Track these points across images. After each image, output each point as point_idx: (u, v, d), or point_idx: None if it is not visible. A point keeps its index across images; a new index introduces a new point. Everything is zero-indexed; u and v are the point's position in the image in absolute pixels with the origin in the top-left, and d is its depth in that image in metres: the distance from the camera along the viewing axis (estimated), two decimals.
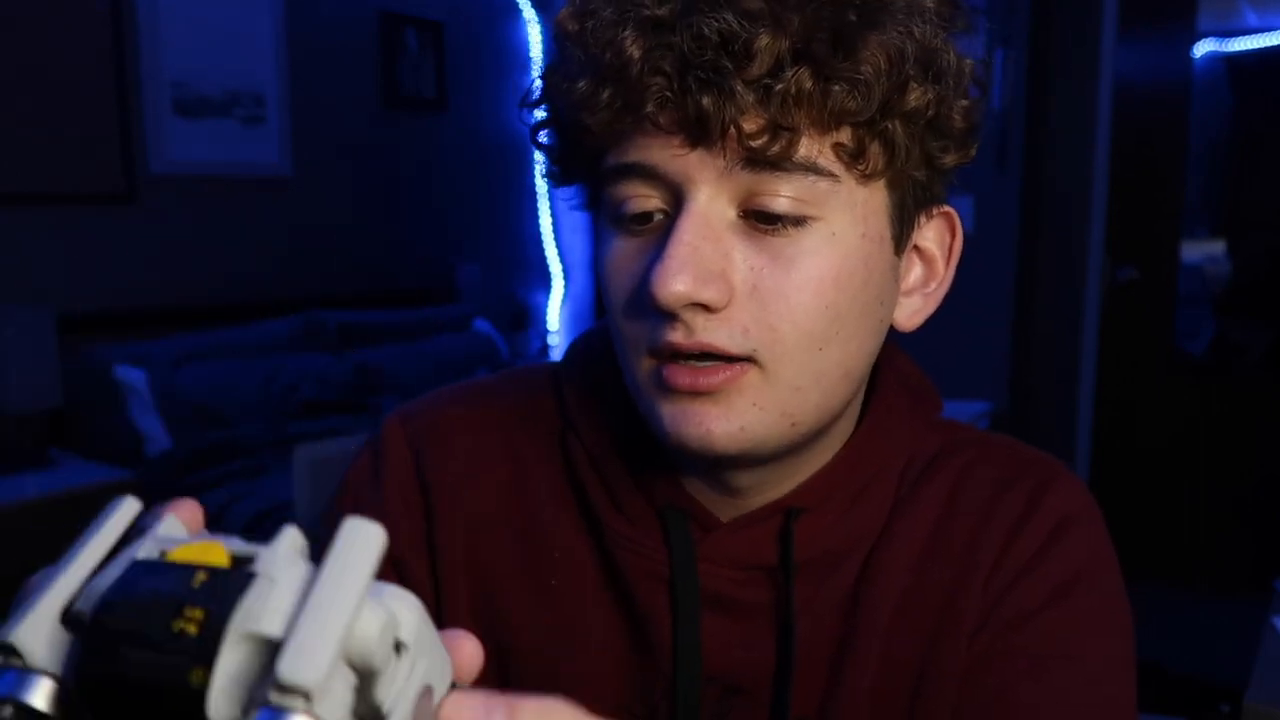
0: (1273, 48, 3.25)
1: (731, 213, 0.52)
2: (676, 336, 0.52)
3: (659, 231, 0.54)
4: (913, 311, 0.60)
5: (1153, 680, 2.50)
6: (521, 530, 0.64)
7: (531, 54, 4.03)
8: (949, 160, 0.55)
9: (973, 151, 0.56)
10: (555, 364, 0.70)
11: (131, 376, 2.62)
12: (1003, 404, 3.32)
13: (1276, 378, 3.22)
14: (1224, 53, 3.30)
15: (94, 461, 2.55)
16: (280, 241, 3.27)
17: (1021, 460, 0.65)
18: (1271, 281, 3.30)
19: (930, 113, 0.52)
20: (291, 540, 0.28)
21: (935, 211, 0.59)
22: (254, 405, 2.76)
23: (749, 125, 0.49)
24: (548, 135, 0.58)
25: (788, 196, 0.51)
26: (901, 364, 0.67)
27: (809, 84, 0.48)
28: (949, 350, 3.28)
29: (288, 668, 0.23)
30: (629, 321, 0.55)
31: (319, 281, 3.36)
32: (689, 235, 0.51)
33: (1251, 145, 3.37)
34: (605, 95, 0.51)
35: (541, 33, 4.01)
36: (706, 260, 0.51)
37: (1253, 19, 3.28)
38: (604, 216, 0.57)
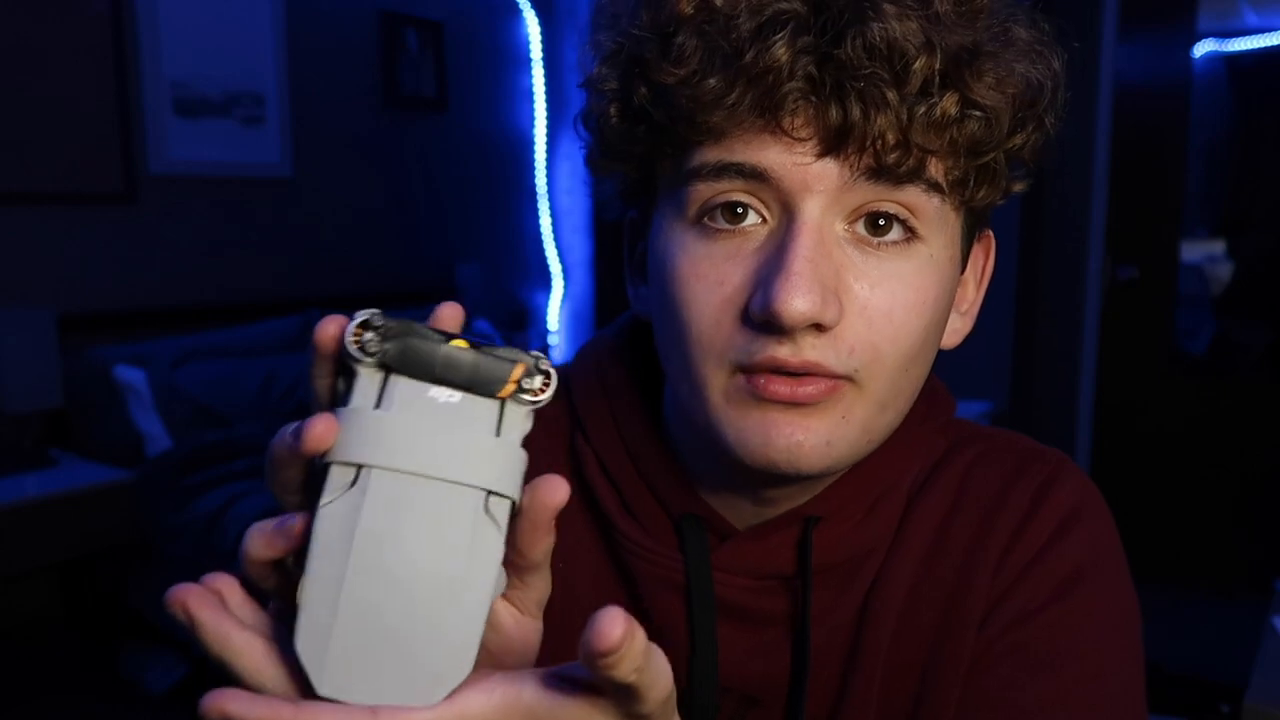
0: (1273, 48, 3.25)
1: (841, 226, 0.51)
2: (783, 353, 0.50)
3: (755, 240, 0.52)
4: (953, 331, 0.60)
5: (1153, 680, 2.49)
6: None
7: (531, 54, 4.03)
8: (1017, 189, 0.56)
9: (1028, 182, 0.57)
10: (563, 366, 0.68)
11: (131, 376, 2.62)
12: (1003, 404, 3.32)
13: (1276, 377, 3.22)
14: (1224, 53, 3.30)
15: (94, 461, 2.55)
16: (280, 241, 3.27)
17: (1026, 455, 0.65)
18: (1271, 281, 3.30)
19: (1025, 149, 0.53)
20: None
21: (980, 235, 0.60)
22: (254, 405, 2.76)
23: (889, 140, 0.49)
24: (617, 118, 0.55)
25: (905, 205, 0.51)
26: (926, 404, 0.66)
27: (954, 110, 0.49)
28: (949, 350, 3.28)
29: None
30: (714, 330, 0.52)
31: (319, 281, 3.36)
32: (809, 251, 0.49)
33: (1251, 145, 3.37)
34: (736, 93, 0.49)
35: (541, 33, 4.01)
36: (825, 278, 0.49)
37: (1253, 19, 3.28)
38: (674, 213, 0.54)
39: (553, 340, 4.19)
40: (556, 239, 4.21)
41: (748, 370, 0.51)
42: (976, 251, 0.61)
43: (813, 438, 0.52)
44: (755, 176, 0.50)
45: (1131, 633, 0.61)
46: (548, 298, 4.23)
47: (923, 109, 0.48)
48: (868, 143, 0.48)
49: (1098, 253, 3.35)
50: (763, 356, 0.50)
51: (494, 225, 4.02)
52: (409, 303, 3.59)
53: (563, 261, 4.23)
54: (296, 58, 3.25)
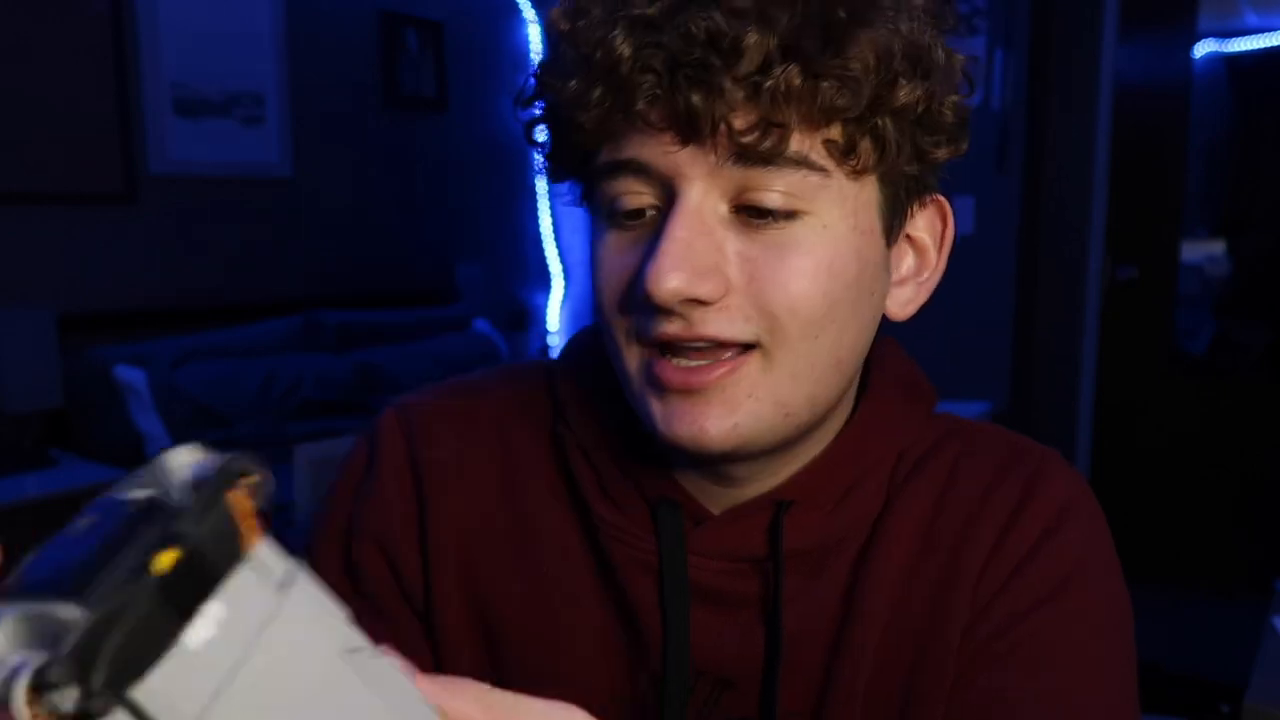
0: (1273, 48, 3.25)
1: (724, 207, 0.53)
2: (674, 329, 0.52)
3: (651, 227, 0.54)
4: (905, 301, 0.60)
5: (1153, 680, 2.50)
6: (513, 520, 0.64)
7: (531, 54, 4.03)
8: (941, 154, 0.56)
9: (964, 145, 0.57)
10: (549, 360, 0.70)
11: (131, 376, 2.62)
12: (1003, 404, 3.32)
13: (1276, 378, 3.22)
14: (1224, 53, 3.30)
15: (94, 461, 2.55)
16: (280, 241, 3.27)
17: (1014, 450, 0.65)
18: (1271, 281, 3.30)
19: (920, 108, 0.52)
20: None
21: (927, 200, 0.60)
22: (254, 405, 2.76)
23: (739, 122, 0.50)
24: (543, 132, 0.59)
25: (779, 191, 0.52)
26: (895, 359, 0.67)
27: (798, 81, 0.49)
28: (949, 350, 3.29)
29: None
30: (620, 315, 0.55)
31: (319, 281, 3.36)
32: (681, 231, 0.51)
33: (1251, 145, 3.38)
34: (596, 93, 0.51)
35: (541, 32, 4.01)
36: (699, 255, 0.51)
37: (1253, 19, 3.28)
38: (597, 213, 0.57)
39: (552, 340, 4.19)
40: (556, 239, 4.21)
41: (648, 348, 0.54)
42: (930, 218, 0.60)
43: (716, 423, 0.53)
44: (639, 170, 0.53)
45: (1125, 631, 0.61)
46: (548, 298, 4.23)
47: (767, 84, 0.49)
48: (718, 125, 0.50)
49: (1098, 253, 3.35)
50: (656, 333, 0.53)
51: (494, 225, 4.02)
52: (409, 302, 3.59)
53: (563, 261, 4.23)
54: (296, 58, 3.25)
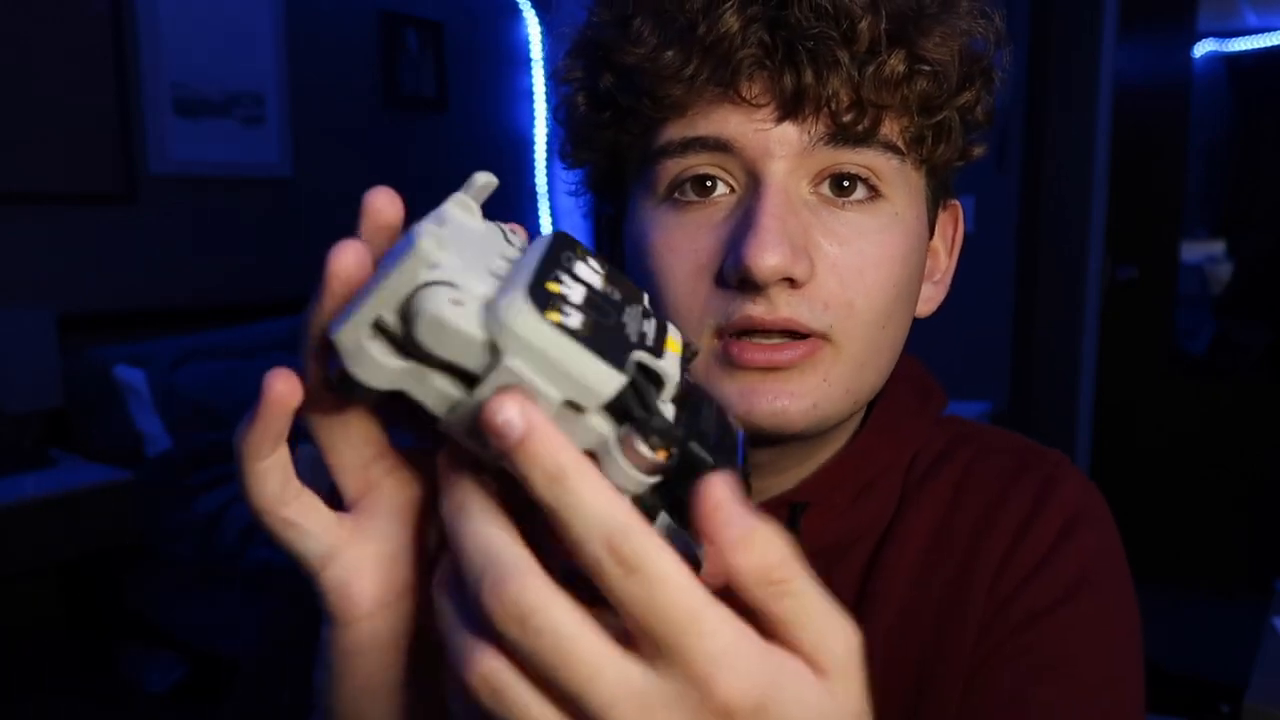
0: (1273, 48, 3.25)
1: (806, 188, 0.53)
2: (758, 311, 0.52)
3: (724, 208, 0.54)
4: (926, 299, 0.62)
5: (1153, 680, 2.49)
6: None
7: (531, 54, 4.02)
8: (975, 153, 0.58)
9: (985, 147, 0.60)
10: None
11: (131, 376, 2.62)
12: (1003, 404, 3.32)
13: (1276, 378, 3.22)
14: (1224, 53, 3.30)
15: (94, 461, 2.55)
16: (280, 241, 3.27)
17: (1026, 453, 0.65)
18: (1271, 281, 3.30)
19: (976, 108, 0.55)
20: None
21: (947, 203, 0.62)
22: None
23: (843, 100, 0.51)
24: (585, 107, 0.57)
25: (866, 166, 0.53)
26: (907, 361, 0.67)
27: (902, 66, 0.51)
28: (949, 350, 3.28)
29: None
30: (691, 297, 0.53)
31: (319, 282, 3.36)
32: (777, 209, 0.51)
33: (1251, 145, 3.37)
34: (693, 65, 0.50)
35: (542, 32, 4.01)
36: (793, 235, 0.51)
37: (1253, 19, 3.28)
38: (646, 194, 0.56)
39: None
40: None
41: (726, 334, 0.53)
42: (945, 220, 0.63)
43: (796, 402, 0.53)
44: (719, 148, 0.52)
45: (1135, 634, 0.61)
46: None
47: (872, 67, 0.50)
48: (823, 104, 0.51)
49: (1098, 253, 3.35)
50: (739, 316, 0.52)
51: None
52: None
53: None
54: (296, 58, 3.25)
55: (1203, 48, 3.27)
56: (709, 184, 0.53)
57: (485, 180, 0.35)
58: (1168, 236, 3.30)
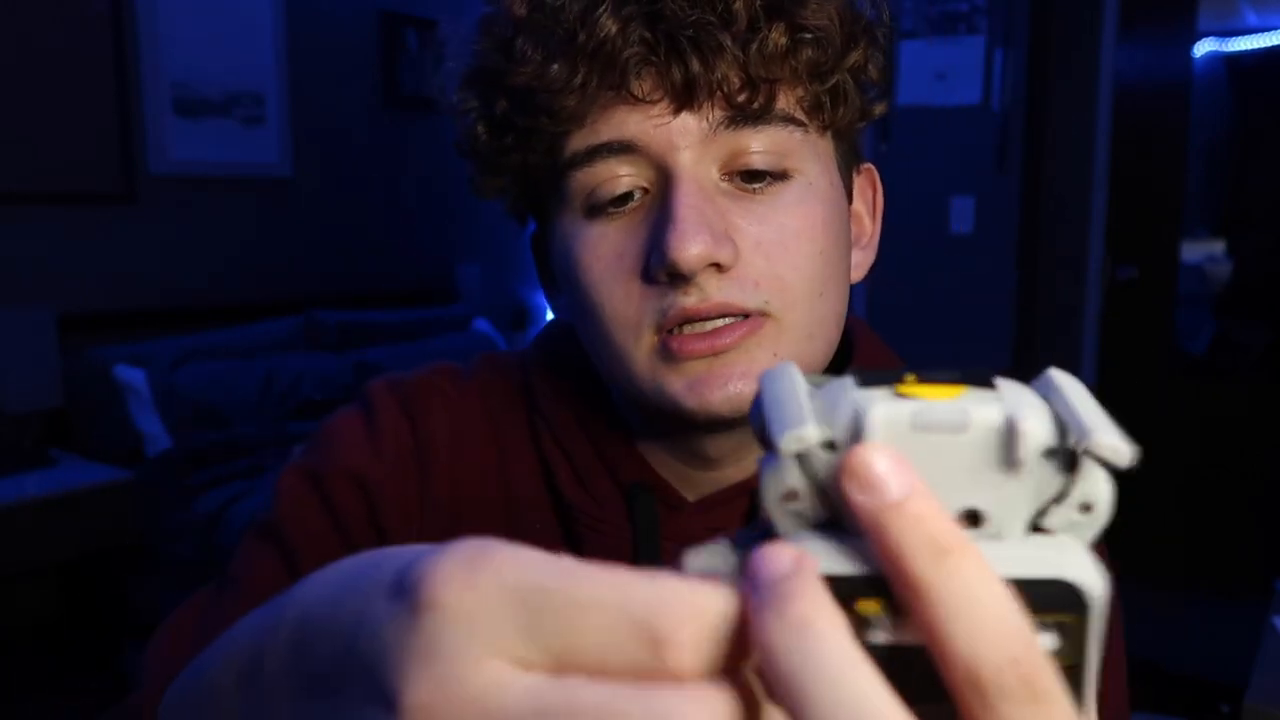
0: (1273, 48, 3.25)
1: (715, 175, 0.53)
2: (691, 301, 0.52)
3: (643, 210, 0.54)
4: (856, 265, 0.62)
5: (1153, 680, 2.50)
6: (504, 503, 0.64)
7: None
8: (876, 111, 0.59)
9: (885, 105, 0.60)
10: (523, 350, 0.69)
11: (131, 376, 2.62)
12: None
13: (1276, 378, 3.22)
14: (1224, 53, 3.30)
15: (94, 461, 2.55)
16: (280, 241, 3.27)
17: None
18: (1271, 281, 3.30)
19: (867, 66, 0.56)
20: None
21: (860, 169, 0.62)
22: (254, 405, 2.76)
23: (734, 82, 0.51)
24: (486, 135, 0.56)
25: (769, 151, 0.53)
26: (869, 340, 0.67)
27: (784, 39, 0.51)
28: (949, 349, 3.29)
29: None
30: (624, 303, 0.54)
31: (319, 281, 3.36)
32: (691, 198, 0.51)
33: (1251, 145, 3.37)
34: (581, 74, 0.51)
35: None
36: (711, 220, 0.51)
37: (1253, 19, 3.28)
38: (566, 209, 0.56)
39: None
40: None
41: (664, 330, 0.53)
42: (862, 184, 0.63)
43: (750, 383, 0.52)
44: (624, 150, 0.52)
45: (1116, 625, 0.61)
46: None
47: (755, 44, 0.50)
48: (715, 89, 0.51)
49: (1098, 253, 3.35)
50: (674, 310, 0.52)
51: (494, 225, 4.02)
52: (409, 302, 3.59)
53: None
54: (296, 58, 3.25)
55: (1203, 47, 3.27)
56: (625, 196, 0.54)
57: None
58: (1168, 236, 3.30)
